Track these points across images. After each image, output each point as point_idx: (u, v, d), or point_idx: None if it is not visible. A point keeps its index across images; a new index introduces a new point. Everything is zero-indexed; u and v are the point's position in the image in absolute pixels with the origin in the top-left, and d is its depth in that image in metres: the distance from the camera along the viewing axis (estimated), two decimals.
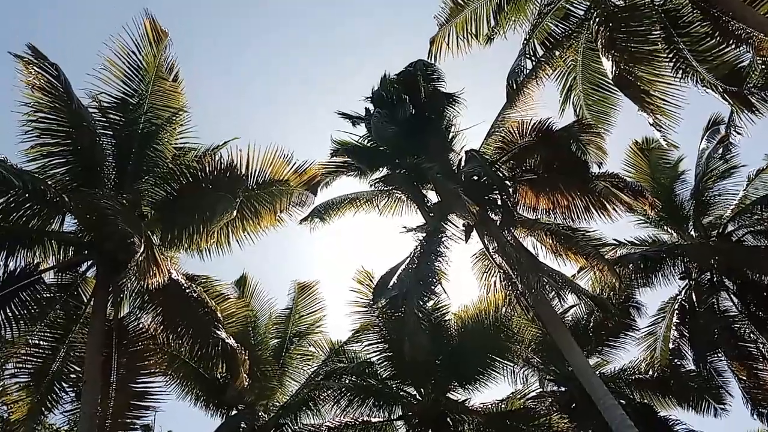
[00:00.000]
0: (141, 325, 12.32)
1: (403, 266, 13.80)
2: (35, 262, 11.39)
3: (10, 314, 10.99)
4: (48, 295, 11.60)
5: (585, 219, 14.41)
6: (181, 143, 12.28)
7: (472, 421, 15.30)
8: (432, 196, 14.53)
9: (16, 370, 11.93)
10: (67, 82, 10.78)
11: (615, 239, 16.68)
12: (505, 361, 16.14)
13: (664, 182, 17.22)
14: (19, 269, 11.16)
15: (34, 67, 10.62)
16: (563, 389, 16.81)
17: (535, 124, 14.09)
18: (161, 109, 11.93)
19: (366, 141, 14.87)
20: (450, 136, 14.91)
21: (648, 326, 17.58)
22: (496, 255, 14.13)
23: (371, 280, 15.22)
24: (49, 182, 11.12)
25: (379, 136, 14.54)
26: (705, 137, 16.97)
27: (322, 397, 15.28)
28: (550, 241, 14.33)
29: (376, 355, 15.74)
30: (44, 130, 11.06)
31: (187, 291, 11.69)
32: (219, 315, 11.99)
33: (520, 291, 14.18)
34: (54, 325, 11.89)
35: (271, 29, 33.67)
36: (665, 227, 17.22)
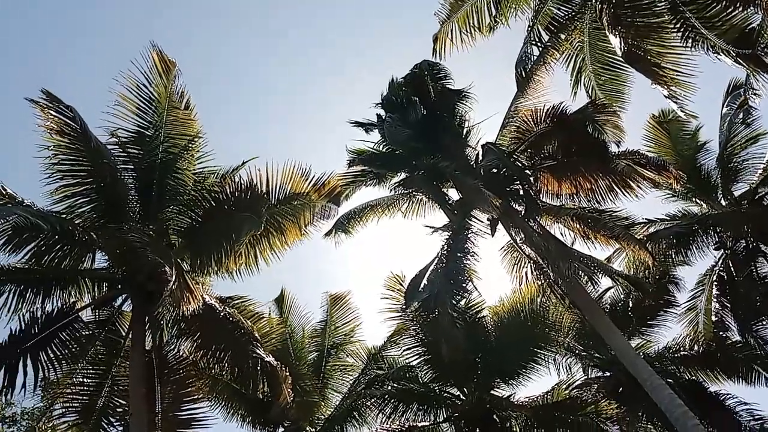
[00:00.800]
0: (180, 353, 12.44)
1: (432, 267, 13.76)
2: (71, 301, 11.59)
3: (51, 355, 11.16)
4: (87, 332, 11.79)
5: (610, 200, 14.30)
6: (200, 169, 12.40)
7: (519, 416, 15.14)
8: (453, 194, 14.51)
9: (63, 410, 12.09)
10: (83, 122, 10.98)
11: (645, 217, 16.44)
12: (546, 352, 15.96)
13: (687, 153, 16.96)
14: (56, 310, 11.37)
15: (51, 111, 10.84)
16: (608, 374, 16.61)
17: (548, 110, 14.00)
18: (177, 138, 12.09)
19: (381, 147, 14.90)
20: (464, 132, 14.87)
21: (688, 301, 17.28)
22: (525, 246, 14.03)
23: (402, 285, 15.20)
24: (77, 221, 11.33)
25: (393, 140, 14.56)
26: (726, 103, 16.67)
27: (366, 406, 15.25)
28: (578, 226, 14.18)
29: (415, 359, 15.67)
30: (66, 172, 11.28)
31: (222, 314, 11.77)
32: (256, 334, 12.05)
33: (552, 279, 14.06)
34: (96, 361, 12.06)
35: (270, 45, 33.88)
36: (694, 199, 16.94)
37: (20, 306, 11.02)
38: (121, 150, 11.75)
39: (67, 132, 11.02)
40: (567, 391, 16.08)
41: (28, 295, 11.07)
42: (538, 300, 15.27)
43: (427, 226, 14.10)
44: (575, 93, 14.62)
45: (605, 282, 15.46)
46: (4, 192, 10.95)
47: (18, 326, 10.98)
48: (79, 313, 11.65)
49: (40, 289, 11.17)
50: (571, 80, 14.56)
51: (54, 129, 11.04)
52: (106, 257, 11.70)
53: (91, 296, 11.84)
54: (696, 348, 16.75)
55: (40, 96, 10.88)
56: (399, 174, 14.76)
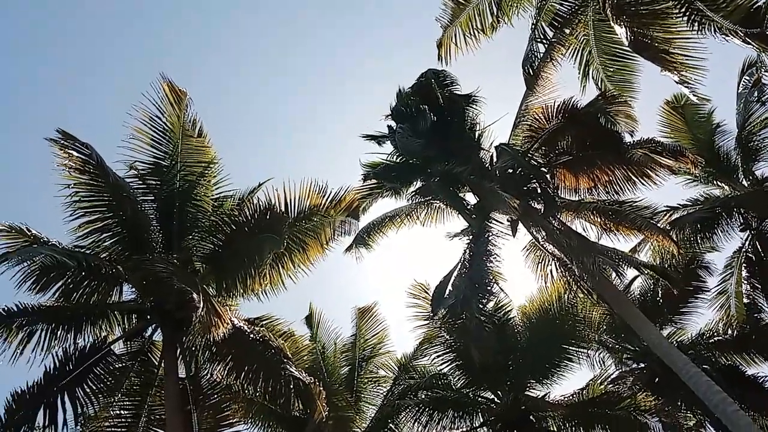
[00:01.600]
0: (214, 377, 12.50)
1: (455, 273, 13.76)
2: (102, 335, 11.74)
3: (88, 390, 11.31)
4: (120, 365, 11.91)
5: (629, 190, 14.23)
6: (217, 194, 12.53)
7: (556, 415, 15.02)
8: (471, 198, 14.48)
9: None
10: (100, 158, 11.12)
11: (666, 205, 16.26)
12: (578, 348, 15.85)
13: (703, 136, 16.79)
14: (88, 345, 11.52)
15: (68, 150, 11.02)
16: (642, 366, 16.43)
17: (559, 106, 13.96)
18: (194, 166, 12.22)
19: (395, 157, 14.93)
20: (476, 136, 14.87)
21: (717, 285, 17.06)
22: (547, 244, 13.97)
23: (426, 292, 15.20)
24: (102, 255, 11.49)
25: (406, 151, 14.59)
26: (741, 83, 16.49)
27: (401, 417, 15.22)
28: (599, 219, 14.08)
29: (446, 366, 15.65)
30: (88, 208, 11.44)
31: (252, 336, 11.82)
32: (287, 353, 12.09)
33: (578, 275, 13.96)
34: (131, 392, 12.17)
35: (272, 64, 34.20)
36: (715, 182, 16.75)
37: (53, 344, 11.18)
38: (139, 182, 11.90)
39: (85, 169, 11.19)
40: (602, 387, 15.91)
41: (59, 333, 11.22)
42: (566, 297, 15.18)
43: (447, 234, 14.11)
44: (584, 86, 14.60)
45: (632, 273, 15.33)
46: (28, 233, 11.11)
47: (53, 364, 11.18)
48: (112, 347, 11.79)
49: (71, 325, 11.32)
50: (579, 74, 14.54)
51: (73, 167, 11.21)
52: (134, 289, 11.83)
53: (122, 329, 11.98)
54: (730, 332, 16.51)
55: (57, 135, 11.08)
56: (415, 183, 14.78)
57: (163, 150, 12.01)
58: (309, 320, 16.74)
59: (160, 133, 11.96)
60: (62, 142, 10.92)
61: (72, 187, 11.30)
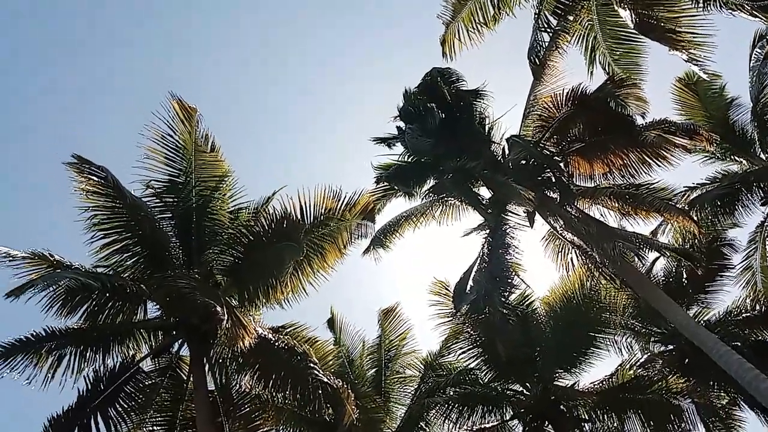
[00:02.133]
0: (243, 388, 12.62)
1: (475, 268, 13.74)
2: (130, 354, 11.90)
3: (120, 409, 11.51)
4: (150, 382, 12.08)
5: (645, 173, 14.12)
6: (233, 206, 12.66)
7: (587, 403, 14.94)
8: (485, 193, 14.45)
9: None
10: (116, 179, 11.29)
11: (685, 186, 16.07)
12: (604, 335, 15.74)
13: (717, 112, 16.52)
14: (117, 365, 11.70)
15: (84, 174, 11.19)
16: (671, 348, 16.26)
17: (568, 93, 13.89)
18: (208, 181, 12.35)
19: (406, 157, 14.92)
20: (486, 129, 14.82)
21: (742, 261, 16.79)
22: (566, 232, 13.91)
23: (447, 289, 15.20)
24: (125, 275, 11.65)
25: (416, 150, 14.57)
26: (752, 55, 16.23)
27: (430, 415, 15.23)
28: (617, 204, 13.98)
29: (473, 361, 15.62)
30: (108, 229, 11.59)
31: (277, 344, 11.92)
32: (313, 358, 12.16)
33: (599, 262, 13.88)
34: (163, 408, 12.32)
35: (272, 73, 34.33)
36: (732, 157, 16.49)
37: (83, 366, 11.37)
38: (156, 200, 12.05)
39: (102, 192, 11.36)
40: (631, 372, 15.81)
41: (88, 355, 11.41)
42: (588, 284, 15.09)
43: (464, 230, 14.10)
44: (592, 72, 14.43)
45: (654, 256, 15.19)
46: (50, 258, 11.28)
47: (84, 386, 11.37)
48: (140, 365, 11.97)
49: (100, 346, 11.50)
50: (586, 60, 14.39)
51: (90, 190, 11.40)
52: (158, 306, 11.97)
53: (149, 346, 12.14)
54: (758, 308, 16.27)
55: (72, 161, 11.25)
56: (428, 182, 14.76)
57: (177, 167, 12.14)
58: (331, 324, 16.80)
59: (173, 151, 12.10)
60: (78, 166, 11.10)
61: (90, 210, 11.47)
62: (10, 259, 10.77)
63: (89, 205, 11.44)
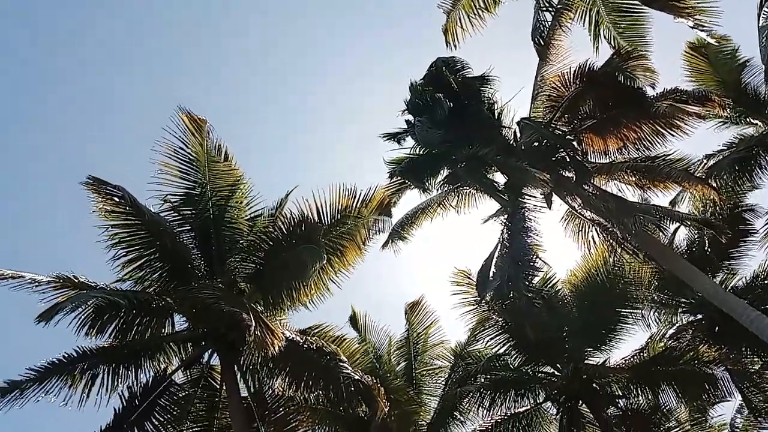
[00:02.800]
0: (275, 392, 12.71)
1: (497, 254, 13.70)
2: (162, 368, 12.03)
3: (156, 422, 11.64)
4: (183, 393, 12.21)
5: (659, 144, 14.00)
6: (251, 213, 12.70)
7: (619, 379, 14.88)
8: (500, 178, 14.38)
9: None
10: (133, 197, 11.37)
11: (702, 153, 15.87)
12: (631, 309, 15.63)
13: (729, 76, 16.25)
14: (150, 380, 11.84)
15: (102, 194, 11.30)
16: (700, 317, 16.13)
17: (575, 71, 13.79)
18: (224, 190, 12.40)
19: (418, 150, 14.88)
20: (496, 115, 14.74)
21: (765, 225, 16.60)
22: (584, 210, 13.82)
23: (470, 278, 15.16)
24: (150, 290, 11.75)
25: (427, 143, 14.52)
26: (761, 15, 15.92)
27: (464, 404, 15.25)
28: (633, 178, 13.86)
29: (501, 347, 15.58)
30: (129, 247, 11.66)
31: (306, 345, 11.97)
32: (342, 356, 12.20)
33: (620, 237, 13.79)
34: (198, 418, 12.44)
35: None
36: (747, 120, 16.24)
37: (116, 383, 11.50)
38: (174, 214, 12.12)
39: (121, 210, 11.46)
40: (662, 344, 15.71)
41: (121, 371, 11.55)
42: (611, 260, 14.98)
43: (482, 217, 14.07)
44: (597, 48, 14.39)
45: (675, 227, 15.04)
46: (75, 280, 11.38)
47: (119, 403, 11.51)
48: (173, 377, 12.09)
49: (131, 362, 11.63)
50: (590, 36, 14.28)
51: (108, 210, 11.49)
52: (185, 318, 12.06)
53: (179, 358, 12.25)
54: None
55: (88, 182, 11.36)
56: (441, 172, 14.72)
57: (192, 179, 12.21)
58: (354, 322, 16.82)
59: (187, 164, 12.17)
60: (95, 187, 11.20)
61: (110, 229, 11.57)
62: (36, 284, 10.88)
63: (109, 224, 11.53)
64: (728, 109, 14.70)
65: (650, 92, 13.48)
